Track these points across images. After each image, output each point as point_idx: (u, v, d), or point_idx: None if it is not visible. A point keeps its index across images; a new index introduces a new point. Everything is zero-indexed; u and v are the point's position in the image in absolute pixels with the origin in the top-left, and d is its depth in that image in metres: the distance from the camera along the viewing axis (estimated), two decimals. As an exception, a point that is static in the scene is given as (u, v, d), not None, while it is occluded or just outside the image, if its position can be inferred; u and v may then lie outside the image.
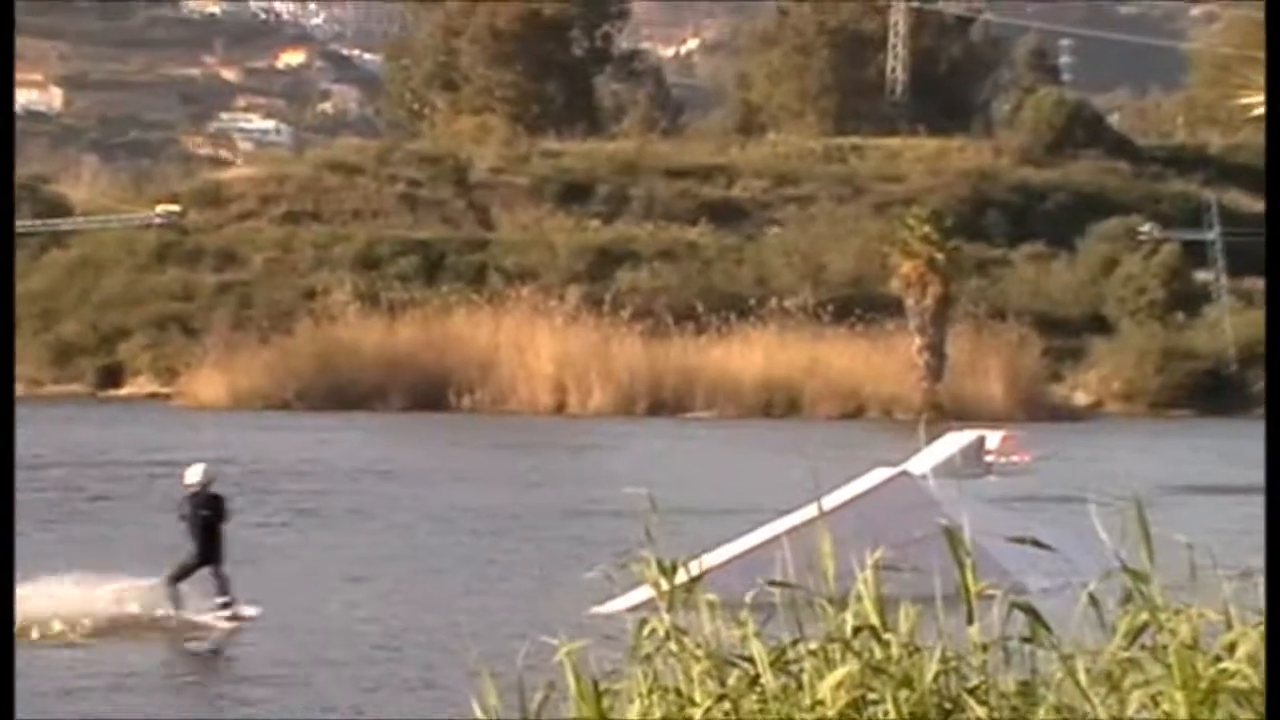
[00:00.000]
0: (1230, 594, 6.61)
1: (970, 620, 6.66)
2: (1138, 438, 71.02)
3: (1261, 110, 8.75)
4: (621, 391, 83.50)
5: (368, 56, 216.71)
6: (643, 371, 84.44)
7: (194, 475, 25.58)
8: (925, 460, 36.03)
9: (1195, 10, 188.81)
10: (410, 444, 63.83)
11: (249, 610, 24.72)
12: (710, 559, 17.41)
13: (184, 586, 24.76)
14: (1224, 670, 6.02)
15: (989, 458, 50.59)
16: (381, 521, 37.92)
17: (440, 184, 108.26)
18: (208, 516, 25.09)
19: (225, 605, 24.80)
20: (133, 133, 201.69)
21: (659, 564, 6.98)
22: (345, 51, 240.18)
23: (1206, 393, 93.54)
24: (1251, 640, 6.14)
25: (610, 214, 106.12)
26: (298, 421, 71.79)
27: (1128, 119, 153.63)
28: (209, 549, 24.95)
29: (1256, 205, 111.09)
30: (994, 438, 52.63)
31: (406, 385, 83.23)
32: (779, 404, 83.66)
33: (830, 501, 27.73)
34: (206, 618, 24.69)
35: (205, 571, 24.86)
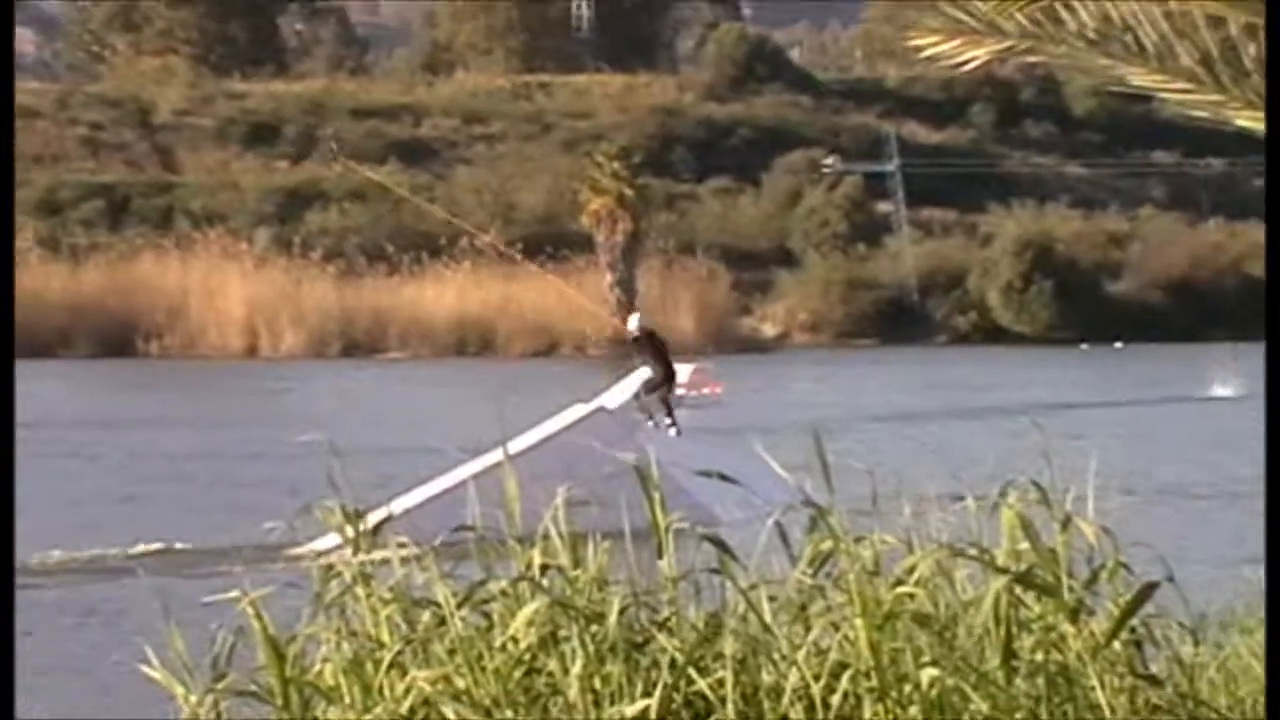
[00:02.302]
0: (909, 519, 6.72)
1: (660, 554, 6.69)
2: (823, 367, 72.28)
3: (934, 49, 8.85)
4: (313, 334, 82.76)
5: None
6: (334, 313, 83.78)
7: (634, 323, 32.26)
8: (617, 395, 36.24)
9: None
10: (95, 390, 62.58)
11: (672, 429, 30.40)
12: (404, 501, 17.25)
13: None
14: (901, 594, 6.13)
15: (680, 391, 51.08)
16: (56, 465, 37.15)
17: (123, 127, 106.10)
18: (658, 345, 31.51)
19: (670, 417, 31.27)
20: None
21: (343, 509, 6.90)
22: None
23: (889, 321, 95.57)
24: (928, 564, 6.25)
25: (298, 155, 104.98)
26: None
27: (808, 54, 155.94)
28: (670, 369, 31.44)
29: (933, 137, 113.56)
30: (684, 371, 53.14)
31: (92, 331, 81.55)
32: (473, 342, 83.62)
33: (527, 439, 27.91)
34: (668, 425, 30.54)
35: None
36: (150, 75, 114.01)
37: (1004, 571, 6.08)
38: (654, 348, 31.80)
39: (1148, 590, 6.21)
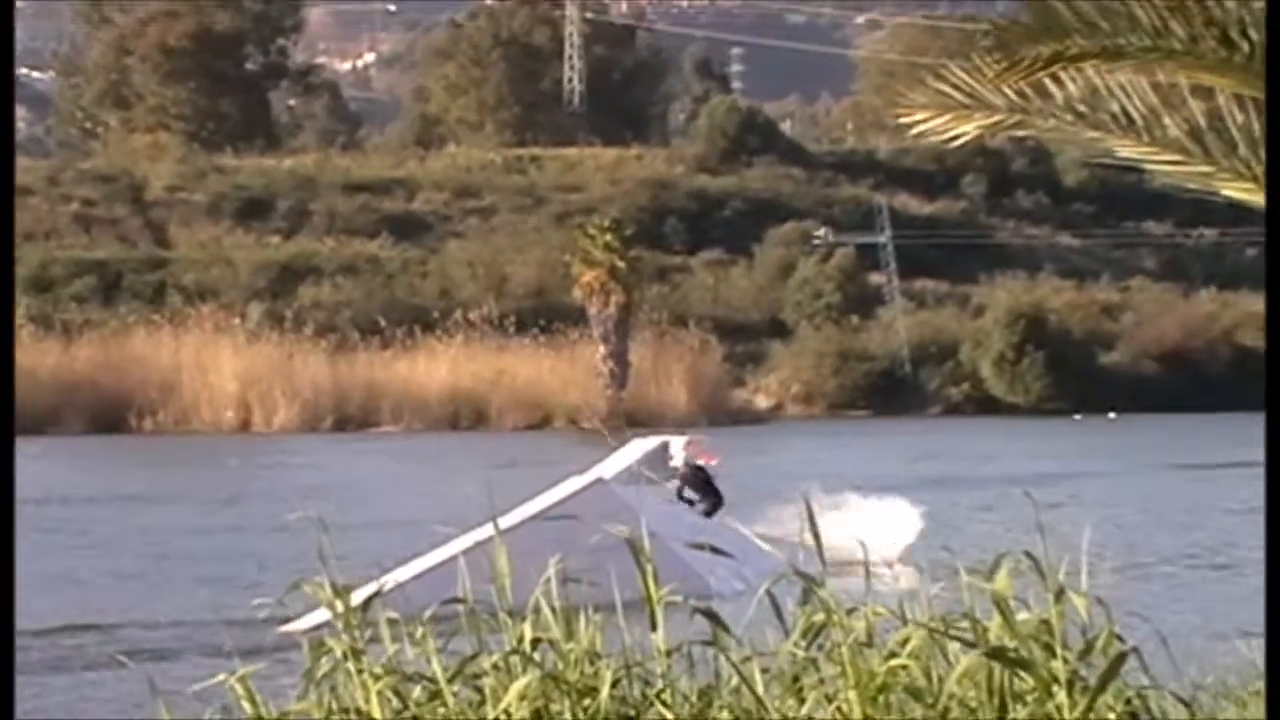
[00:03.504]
0: (904, 590, 6.72)
1: (654, 627, 6.69)
2: (817, 439, 72.23)
3: (923, 125, 8.91)
4: (306, 408, 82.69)
5: (36, 75, 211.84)
6: (327, 387, 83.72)
7: (679, 445, 35.55)
8: (611, 467, 36.20)
9: (860, 19, 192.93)
10: (87, 467, 62.46)
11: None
12: (397, 575, 17.20)
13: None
14: (894, 667, 6.12)
15: (674, 463, 51.02)
16: (49, 542, 37.07)
17: (115, 203, 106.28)
18: (706, 478, 33.89)
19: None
20: None
21: (332, 585, 6.88)
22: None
23: (882, 393, 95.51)
24: (921, 636, 6.25)
25: (290, 230, 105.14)
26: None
27: (799, 126, 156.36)
28: (718, 498, 33.22)
29: (925, 208, 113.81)
30: (678, 443, 53.05)
31: (84, 408, 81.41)
32: (466, 416, 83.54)
33: (524, 511, 27.89)
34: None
35: None
36: (142, 151, 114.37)
37: (972, 646, 6.09)
38: (699, 480, 34.68)
39: (1121, 658, 6.22)
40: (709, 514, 33.22)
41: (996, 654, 6.05)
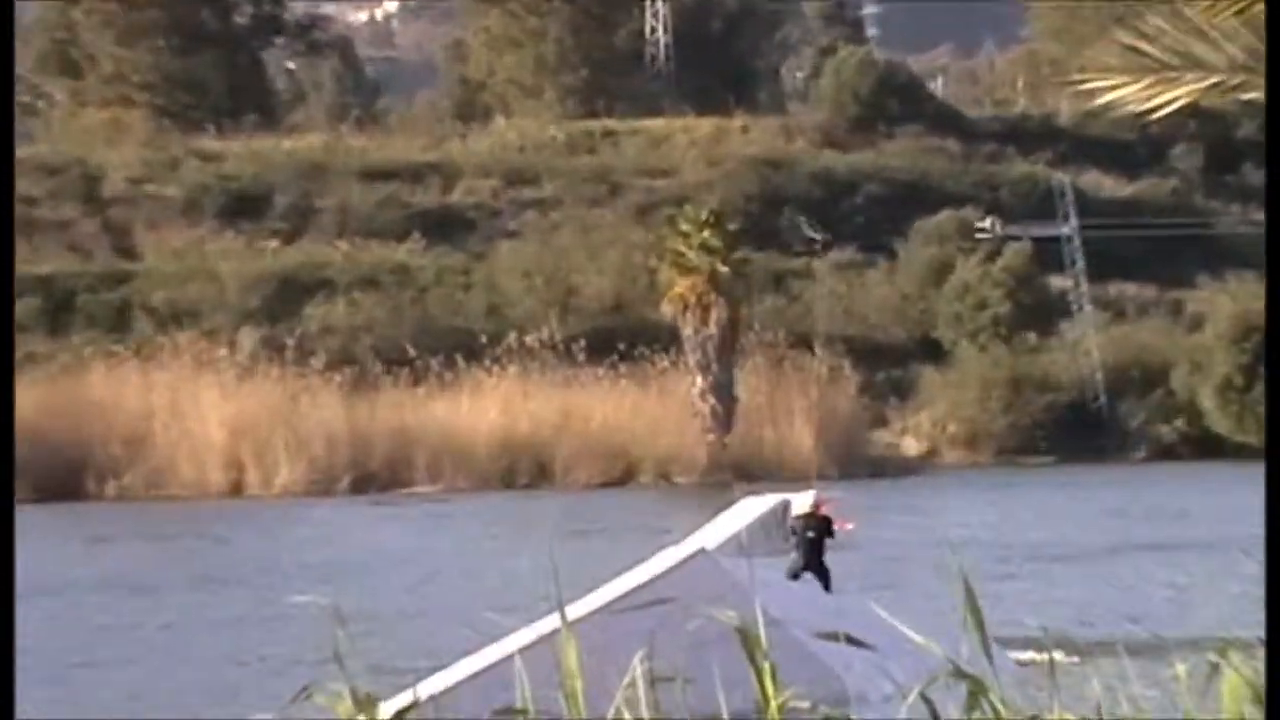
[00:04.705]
0: (1099, 689, 6.73)
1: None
2: (983, 494, 72.02)
3: (1111, 94, 8.89)
4: (316, 464, 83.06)
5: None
6: (343, 436, 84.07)
7: (804, 503, 37.18)
8: (715, 534, 36.24)
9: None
10: (35, 546, 62.92)
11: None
12: (437, 680, 17.35)
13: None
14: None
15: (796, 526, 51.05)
16: None
17: (64, 201, 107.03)
18: (814, 536, 36.01)
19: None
20: None
21: (353, 693, 6.95)
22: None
23: (1068, 433, 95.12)
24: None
25: (292, 232, 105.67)
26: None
27: (954, 84, 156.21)
28: (811, 558, 35.55)
29: (1123, 189, 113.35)
30: (803, 500, 53.04)
31: (26, 470, 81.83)
32: (524, 472, 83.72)
33: (602, 595, 27.94)
34: None
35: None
36: (97, 132, 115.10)
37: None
38: (817, 528, 36.27)
39: None
40: (793, 576, 34.85)
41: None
